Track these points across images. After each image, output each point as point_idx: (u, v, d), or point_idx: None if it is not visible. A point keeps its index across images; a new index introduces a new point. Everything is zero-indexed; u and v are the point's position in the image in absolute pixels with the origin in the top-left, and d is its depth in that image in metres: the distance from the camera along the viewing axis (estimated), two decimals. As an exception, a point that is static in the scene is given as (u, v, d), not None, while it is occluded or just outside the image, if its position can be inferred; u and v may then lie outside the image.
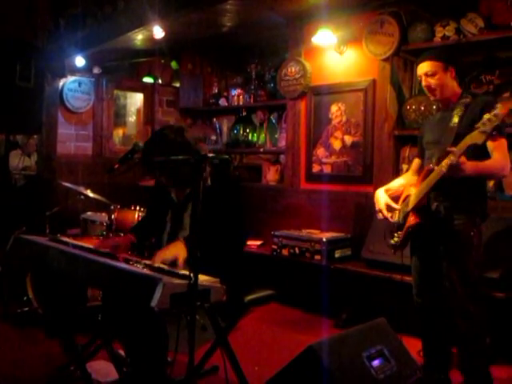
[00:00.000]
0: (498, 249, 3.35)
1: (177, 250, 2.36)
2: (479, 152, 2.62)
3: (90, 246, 2.62)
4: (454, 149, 2.52)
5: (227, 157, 2.57)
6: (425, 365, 2.96)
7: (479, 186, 2.80)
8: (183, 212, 2.72)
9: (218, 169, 2.60)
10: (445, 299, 2.83)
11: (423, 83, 2.86)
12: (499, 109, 2.43)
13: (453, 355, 2.95)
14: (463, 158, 2.50)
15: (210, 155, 2.18)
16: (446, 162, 2.54)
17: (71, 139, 6.08)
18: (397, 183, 3.16)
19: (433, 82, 2.81)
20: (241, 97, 5.76)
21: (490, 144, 2.64)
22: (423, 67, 2.84)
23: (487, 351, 2.74)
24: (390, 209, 2.95)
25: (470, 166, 2.54)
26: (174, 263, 2.32)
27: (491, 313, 2.96)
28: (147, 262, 2.34)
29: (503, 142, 2.68)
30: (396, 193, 3.05)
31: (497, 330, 3.14)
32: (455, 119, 2.74)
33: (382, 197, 3.01)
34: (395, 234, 2.91)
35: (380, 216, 2.99)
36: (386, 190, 3.06)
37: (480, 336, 2.71)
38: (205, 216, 2.05)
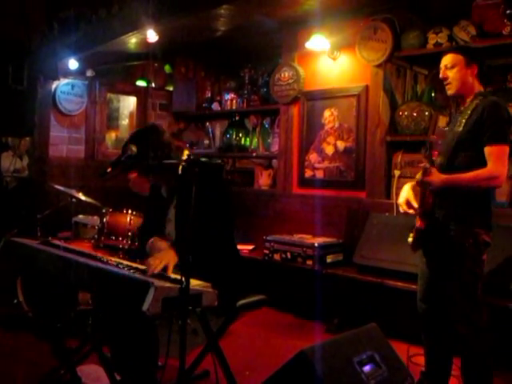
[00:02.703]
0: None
1: (168, 257, 2.34)
2: (477, 159, 2.62)
3: (83, 250, 2.61)
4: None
5: (220, 162, 2.61)
6: (427, 372, 2.92)
7: (478, 195, 2.70)
8: (169, 204, 2.78)
9: (209, 172, 2.57)
10: (447, 307, 2.79)
11: (440, 75, 2.82)
12: None
13: (453, 364, 2.90)
14: (433, 175, 2.64)
15: (203, 159, 2.20)
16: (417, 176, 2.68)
17: (63, 142, 6.05)
18: None
19: (450, 74, 2.76)
20: (234, 101, 5.77)
21: (486, 150, 2.60)
22: (445, 59, 2.79)
23: (490, 360, 2.67)
24: (409, 205, 2.87)
25: (438, 181, 2.65)
26: (164, 270, 2.30)
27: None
28: (138, 266, 2.33)
29: (501, 149, 2.61)
30: None
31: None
32: (461, 123, 2.71)
33: (404, 191, 2.94)
34: (410, 234, 2.85)
35: (401, 210, 2.93)
36: (414, 187, 2.95)
37: (482, 345, 2.65)
38: (193, 217, 2.07)
